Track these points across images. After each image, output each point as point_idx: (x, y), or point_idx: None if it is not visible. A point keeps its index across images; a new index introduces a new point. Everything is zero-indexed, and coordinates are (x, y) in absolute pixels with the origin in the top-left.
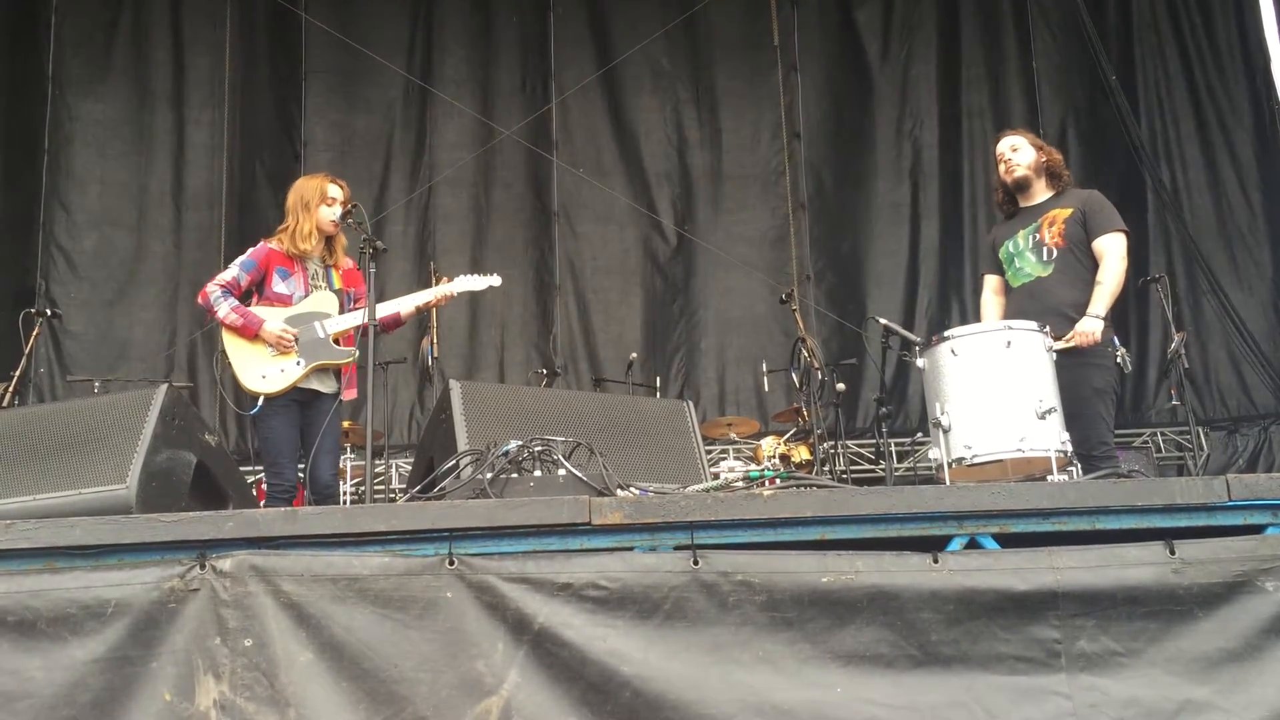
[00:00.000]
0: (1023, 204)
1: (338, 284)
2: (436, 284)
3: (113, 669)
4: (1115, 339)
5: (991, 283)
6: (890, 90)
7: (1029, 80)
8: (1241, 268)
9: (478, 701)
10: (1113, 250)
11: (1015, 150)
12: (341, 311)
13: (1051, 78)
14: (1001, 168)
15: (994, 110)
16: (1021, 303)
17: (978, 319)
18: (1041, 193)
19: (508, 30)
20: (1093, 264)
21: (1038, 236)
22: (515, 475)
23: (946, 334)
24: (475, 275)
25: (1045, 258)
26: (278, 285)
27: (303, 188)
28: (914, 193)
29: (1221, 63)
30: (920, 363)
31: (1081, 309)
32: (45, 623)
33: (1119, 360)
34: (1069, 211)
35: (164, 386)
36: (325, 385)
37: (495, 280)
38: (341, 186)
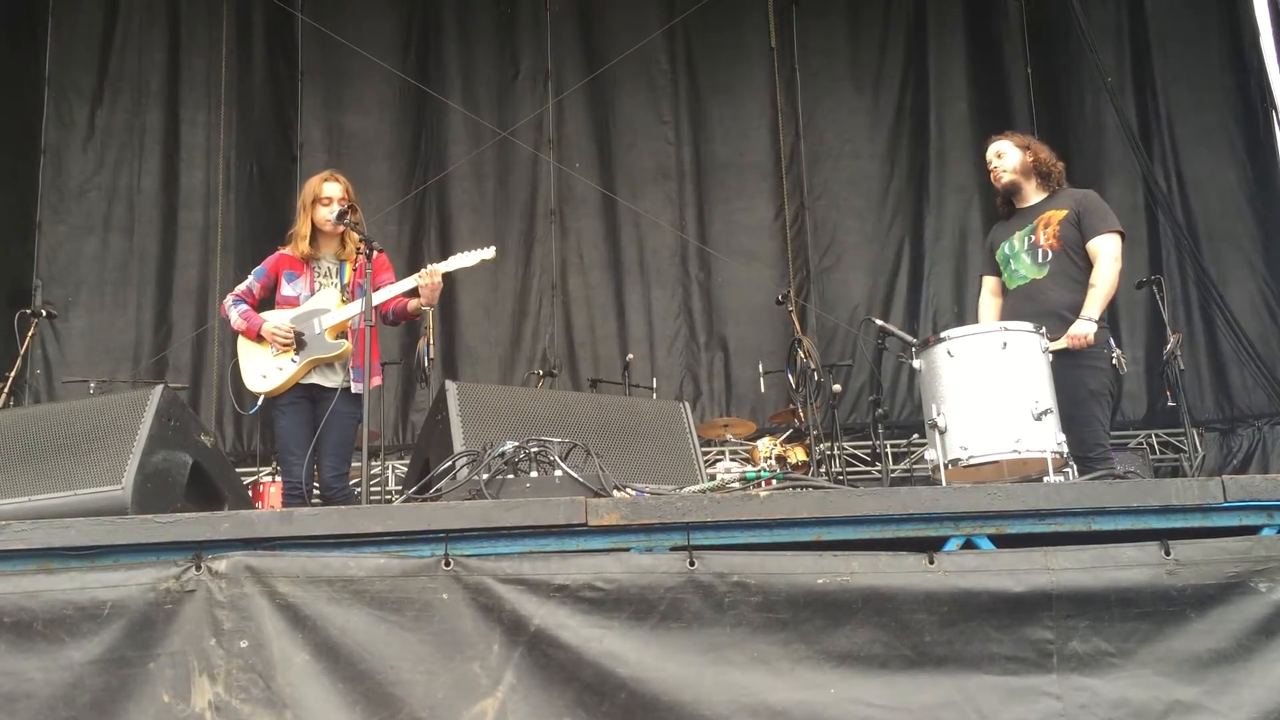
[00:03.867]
0: (1018, 205)
1: (348, 278)
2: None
3: (110, 670)
4: (1111, 340)
5: (990, 284)
6: (892, 87)
7: (1027, 78)
8: (1236, 269)
9: (474, 703)
10: (1106, 252)
11: (1000, 156)
12: (346, 305)
13: (1049, 77)
14: (992, 175)
15: (995, 107)
16: (1017, 305)
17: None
18: (1034, 194)
19: (503, 28)
20: (1087, 265)
21: (1033, 239)
22: (511, 476)
23: (942, 335)
24: (467, 252)
25: (1040, 260)
26: (285, 289)
27: (304, 189)
28: (917, 191)
29: (1216, 64)
30: (916, 364)
31: (1076, 310)
32: (42, 624)
33: (1115, 362)
34: (1064, 213)
35: (160, 387)
36: (330, 380)
37: (488, 253)
38: (339, 182)
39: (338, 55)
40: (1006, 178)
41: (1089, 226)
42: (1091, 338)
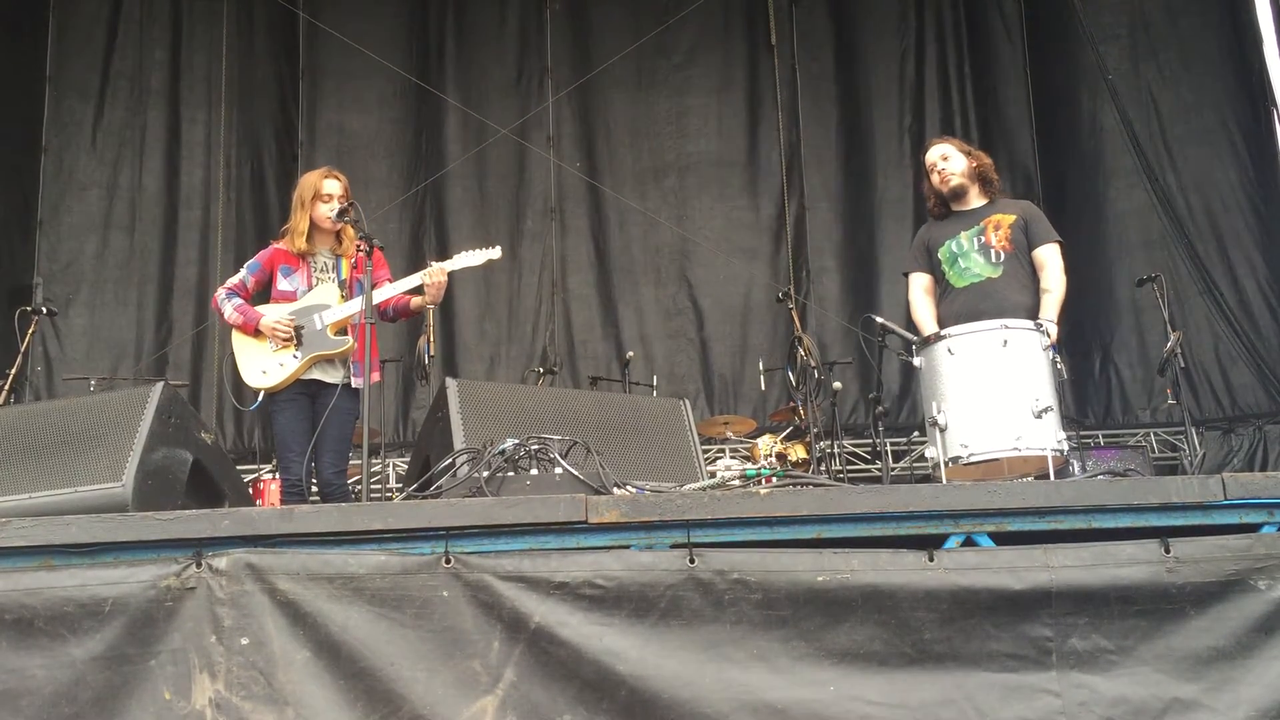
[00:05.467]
0: (956, 208)
1: (345, 274)
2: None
3: (112, 667)
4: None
5: (922, 282)
6: (891, 87)
7: (1027, 78)
8: (1236, 268)
9: (474, 700)
10: (1054, 260)
11: (946, 159)
12: (346, 300)
13: (1048, 76)
14: (935, 177)
15: (995, 108)
16: (972, 301)
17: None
18: (976, 198)
19: (504, 27)
20: (1033, 270)
21: (983, 239)
22: (512, 474)
23: (943, 332)
24: (472, 251)
25: (994, 260)
26: (281, 283)
27: (301, 185)
28: (916, 190)
29: (1217, 63)
30: (917, 361)
31: (1029, 311)
32: (43, 621)
33: (1059, 367)
34: (1012, 218)
35: (160, 384)
36: (330, 376)
37: (494, 253)
38: (339, 179)
39: (338, 53)
40: (955, 180)
41: (1036, 234)
42: (1055, 336)
